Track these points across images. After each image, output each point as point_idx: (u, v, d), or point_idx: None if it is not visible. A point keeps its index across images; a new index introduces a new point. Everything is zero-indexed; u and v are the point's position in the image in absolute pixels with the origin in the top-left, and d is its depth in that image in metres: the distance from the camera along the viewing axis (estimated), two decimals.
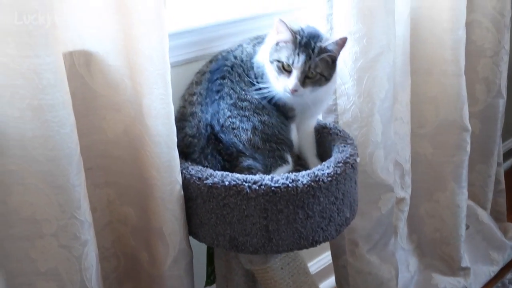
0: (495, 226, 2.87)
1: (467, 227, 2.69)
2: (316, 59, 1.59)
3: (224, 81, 1.64)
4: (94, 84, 1.47)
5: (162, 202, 1.52)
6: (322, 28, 1.75)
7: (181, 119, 1.66)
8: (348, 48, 1.85)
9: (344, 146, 1.68)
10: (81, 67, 1.45)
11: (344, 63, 1.88)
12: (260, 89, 1.64)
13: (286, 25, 1.59)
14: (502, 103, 2.67)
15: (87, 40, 1.42)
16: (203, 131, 1.60)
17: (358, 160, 1.66)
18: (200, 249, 1.76)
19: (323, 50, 1.60)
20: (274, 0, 2.06)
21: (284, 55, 1.60)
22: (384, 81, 1.92)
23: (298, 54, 1.59)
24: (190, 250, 1.64)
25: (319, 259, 2.53)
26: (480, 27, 2.53)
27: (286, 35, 1.60)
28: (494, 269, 2.75)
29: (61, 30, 1.34)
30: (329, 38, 1.64)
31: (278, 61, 1.61)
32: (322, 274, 2.51)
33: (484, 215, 2.82)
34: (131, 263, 1.68)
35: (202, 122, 1.61)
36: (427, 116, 2.40)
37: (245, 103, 1.62)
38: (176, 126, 1.60)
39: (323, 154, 1.74)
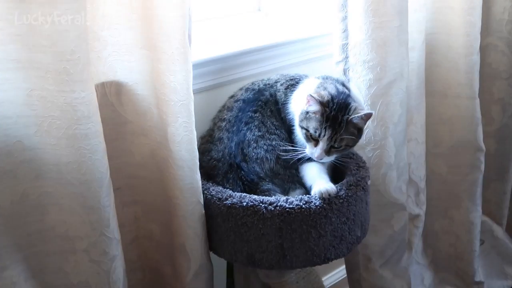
0: (510, 241, 2.88)
1: (482, 242, 2.73)
2: (342, 134, 1.64)
3: (255, 114, 1.71)
4: (123, 112, 1.58)
5: (185, 221, 1.60)
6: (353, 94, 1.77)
7: (209, 141, 1.73)
8: (363, 76, 1.94)
9: (357, 169, 1.75)
10: (112, 96, 1.55)
11: (359, 89, 1.95)
12: (294, 150, 1.69)
13: (315, 100, 1.63)
14: None
15: (117, 72, 1.52)
16: (227, 157, 1.67)
17: (369, 182, 1.73)
18: (220, 263, 1.83)
19: (349, 123, 1.65)
20: (293, 28, 2.16)
21: (312, 127, 1.65)
22: (397, 106, 2.00)
23: (325, 129, 1.63)
24: (211, 264, 1.73)
25: (334, 273, 2.58)
26: (495, 51, 2.57)
27: (316, 108, 1.64)
28: (508, 284, 2.78)
29: (94, 64, 1.46)
30: (357, 107, 1.67)
31: (307, 130, 1.66)
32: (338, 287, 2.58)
33: (499, 231, 2.85)
34: (155, 276, 1.76)
35: (227, 149, 1.68)
36: (442, 137, 2.45)
37: (274, 136, 1.70)
38: (204, 147, 1.71)
39: (337, 176, 1.81)
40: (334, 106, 1.64)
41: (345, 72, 1.98)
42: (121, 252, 1.52)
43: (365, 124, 1.69)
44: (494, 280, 2.76)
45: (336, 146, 1.66)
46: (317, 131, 1.64)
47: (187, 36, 1.46)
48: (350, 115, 1.65)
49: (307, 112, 1.66)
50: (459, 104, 2.38)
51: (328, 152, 1.66)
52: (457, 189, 2.52)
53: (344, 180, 1.70)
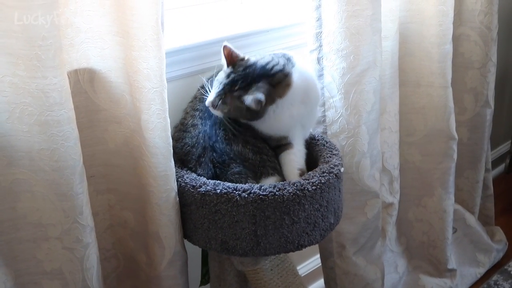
0: (482, 229, 2.94)
1: (455, 230, 2.77)
2: (229, 102, 1.64)
3: None
4: (97, 99, 1.57)
5: (159, 208, 1.60)
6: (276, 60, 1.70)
7: (182, 129, 1.73)
8: (336, 64, 1.95)
9: (330, 157, 1.76)
10: (85, 83, 1.55)
11: (332, 78, 1.97)
12: None
13: (228, 52, 1.66)
14: (489, 112, 2.75)
15: (91, 59, 1.52)
16: (201, 141, 1.67)
17: (342, 170, 1.74)
18: (195, 251, 1.84)
19: (240, 99, 1.63)
20: (269, 17, 2.16)
21: (217, 77, 1.68)
22: (371, 94, 2.01)
23: (220, 83, 1.65)
24: (185, 252, 1.73)
25: (310, 262, 2.61)
26: (468, 40, 2.61)
27: (224, 61, 1.67)
28: (480, 271, 2.84)
29: (67, 51, 1.45)
30: (257, 88, 1.62)
31: (216, 75, 1.69)
32: (312, 276, 2.59)
33: (472, 219, 2.90)
34: (130, 264, 1.77)
35: (201, 133, 1.68)
36: (416, 126, 2.49)
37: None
38: (178, 135, 1.71)
39: (310, 164, 1.82)
40: (242, 73, 1.65)
41: (319, 60, 1.99)
42: (94, 239, 1.52)
43: (258, 107, 1.61)
44: (466, 268, 2.81)
45: (220, 105, 1.65)
46: (217, 82, 1.66)
47: (160, 23, 1.46)
48: (247, 92, 1.63)
49: (224, 66, 1.68)
50: (432, 93, 2.41)
51: (214, 104, 1.65)
52: (430, 177, 2.56)
53: (317, 168, 1.71)
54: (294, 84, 1.67)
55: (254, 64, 1.66)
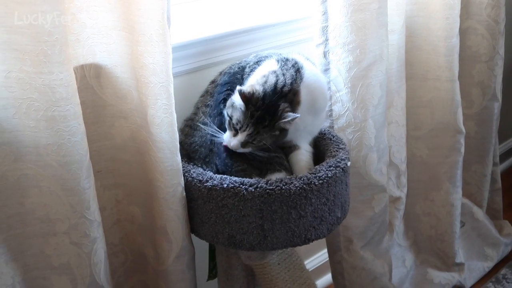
0: (490, 223, 2.93)
1: (463, 224, 2.77)
2: (263, 134, 1.61)
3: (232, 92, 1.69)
4: (103, 94, 1.58)
5: (166, 203, 1.61)
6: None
7: (192, 126, 1.73)
8: (342, 58, 1.95)
9: (337, 151, 1.76)
10: (92, 79, 1.55)
11: (339, 72, 1.97)
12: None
13: (244, 96, 1.58)
14: (497, 106, 2.74)
15: (97, 54, 1.52)
16: (209, 142, 1.68)
17: (349, 164, 1.74)
18: (203, 245, 1.84)
19: (274, 126, 1.61)
20: (275, 11, 2.16)
21: (235, 117, 1.61)
22: (377, 88, 2.01)
23: (248, 125, 1.60)
24: (192, 246, 1.73)
25: (317, 256, 2.61)
26: (475, 34, 2.60)
27: (242, 103, 1.59)
28: (488, 265, 2.83)
29: (73, 47, 1.46)
30: (285, 108, 1.60)
31: (230, 118, 1.63)
32: (320, 270, 2.59)
33: (480, 213, 2.89)
34: (137, 258, 1.77)
35: (209, 134, 1.68)
36: (423, 119, 2.48)
37: None
38: (187, 131, 1.72)
39: (317, 158, 1.82)
40: (263, 106, 1.60)
41: (325, 54, 1.99)
42: (102, 234, 1.53)
43: (290, 125, 1.63)
44: (474, 262, 2.80)
45: (254, 142, 1.63)
46: (239, 123, 1.61)
47: (166, 18, 1.46)
48: (277, 119, 1.60)
49: (234, 103, 1.63)
50: (439, 86, 2.40)
51: (244, 145, 1.63)
52: (437, 171, 2.55)
53: (324, 162, 1.71)
54: (302, 100, 1.66)
55: (265, 92, 1.61)
